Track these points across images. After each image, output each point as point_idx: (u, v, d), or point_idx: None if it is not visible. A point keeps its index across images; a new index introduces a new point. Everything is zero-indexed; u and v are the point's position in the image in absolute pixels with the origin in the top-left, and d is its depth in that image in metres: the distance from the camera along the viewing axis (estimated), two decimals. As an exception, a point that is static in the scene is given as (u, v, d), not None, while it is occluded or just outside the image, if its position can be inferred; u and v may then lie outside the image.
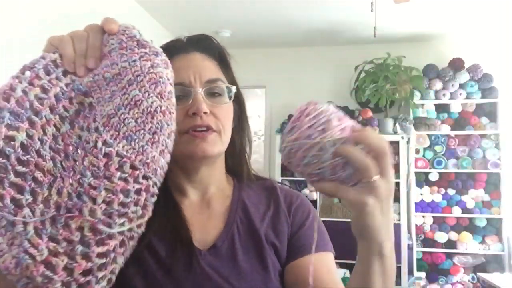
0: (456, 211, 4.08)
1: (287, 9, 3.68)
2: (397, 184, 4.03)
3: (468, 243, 4.02)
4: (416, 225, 4.11)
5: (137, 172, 0.48)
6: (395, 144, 4.06)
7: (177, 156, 0.74)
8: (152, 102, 0.50)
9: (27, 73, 0.50)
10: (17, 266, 0.43)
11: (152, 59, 0.53)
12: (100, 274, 0.46)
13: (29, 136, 0.47)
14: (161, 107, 0.50)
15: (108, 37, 0.54)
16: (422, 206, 4.15)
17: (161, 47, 0.79)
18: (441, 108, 4.25)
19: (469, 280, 4.01)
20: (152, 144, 0.49)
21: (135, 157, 0.48)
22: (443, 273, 4.08)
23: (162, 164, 0.51)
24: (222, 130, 0.74)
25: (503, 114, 4.05)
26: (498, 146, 4.06)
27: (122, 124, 0.49)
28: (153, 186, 0.50)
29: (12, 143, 0.46)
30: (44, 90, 0.50)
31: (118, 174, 0.47)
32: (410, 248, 3.97)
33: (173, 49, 0.77)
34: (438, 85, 4.18)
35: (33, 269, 0.43)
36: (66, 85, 0.52)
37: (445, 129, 4.18)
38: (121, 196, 0.47)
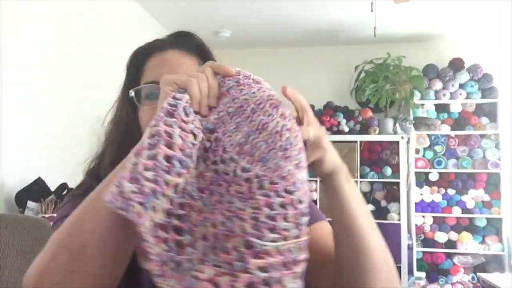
0: (456, 211, 4.08)
1: (287, 9, 3.68)
2: (397, 184, 4.04)
3: (468, 243, 4.02)
4: (416, 225, 4.11)
5: (277, 186, 0.51)
6: (395, 144, 4.07)
7: None
8: (277, 123, 0.53)
9: (175, 117, 0.53)
10: None
11: (268, 90, 0.59)
12: None
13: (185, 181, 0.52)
14: (286, 125, 0.53)
15: (224, 78, 0.59)
16: (422, 206, 4.15)
17: (139, 48, 0.79)
18: (441, 108, 4.25)
19: (469, 280, 4.02)
20: (285, 159, 0.52)
21: (273, 173, 0.51)
22: (443, 273, 4.08)
23: (300, 178, 0.52)
24: None
25: (503, 114, 4.06)
26: (498, 146, 4.07)
27: (255, 149, 0.53)
28: (299, 203, 0.51)
29: (176, 189, 0.50)
30: (194, 135, 0.54)
31: (260, 191, 0.51)
32: (410, 248, 3.97)
33: (150, 49, 0.77)
34: (438, 85, 4.18)
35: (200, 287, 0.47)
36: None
37: (445, 129, 4.18)
38: (266, 210, 0.50)
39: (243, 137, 0.54)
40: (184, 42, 0.78)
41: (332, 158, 0.62)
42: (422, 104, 4.25)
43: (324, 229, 0.76)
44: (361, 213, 0.62)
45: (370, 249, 0.61)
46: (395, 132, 4.13)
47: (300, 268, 0.49)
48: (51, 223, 0.97)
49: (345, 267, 0.63)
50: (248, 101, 0.56)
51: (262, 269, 0.48)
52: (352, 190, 0.63)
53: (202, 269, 0.48)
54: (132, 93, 0.74)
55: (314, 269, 0.69)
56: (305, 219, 0.51)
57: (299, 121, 0.59)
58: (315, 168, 0.62)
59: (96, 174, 0.77)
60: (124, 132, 0.77)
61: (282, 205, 0.50)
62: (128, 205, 0.45)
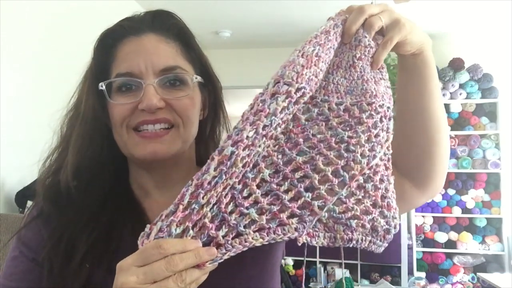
0: (456, 211, 4.08)
1: (287, 9, 3.68)
2: (397, 184, 4.03)
3: (468, 243, 4.02)
4: (416, 225, 4.11)
5: (373, 105, 0.58)
6: (395, 144, 4.06)
7: (129, 156, 0.68)
8: (348, 56, 0.60)
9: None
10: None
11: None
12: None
13: None
14: (355, 56, 0.59)
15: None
16: (422, 206, 4.14)
17: (109, 30, 0.67)
18: (441, 108, 4.25)
19: (469, 280, 4.01)
20: (366, 82, 0.59)
21: (364, 97, 0.59)
22: (443, 273, 4.07)
23: (383, 91, 0.61)
24: (181, 125, 0.65)
25: (503, 114, 4.05)
26: (498, 146, 4.06)
27: (339, 85, 0.60)
28: (387, 110, 0.60)
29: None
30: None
31: (363, 115, 0.58)
32: (410, 248, 3.96)
33: (122, 31, 0.66)
34: (438, 85, 4.18)
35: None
36: None
37: (445, 129, 4.18)
38: (373, 130, 0.58)
39: (324, 80, 0.59)
40: (163, 24, 0.67)
41: (417, 36, 0.60)
42: (422, 104, 4.25)
43: None
44: (439, 94, 0.67)
45: (444, 132, 0.67)
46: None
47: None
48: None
49: (418, 145, 0.67)
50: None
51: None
52: (434, 71, 0.65)
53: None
54: (103, 86, 0.64)
55: None
56: (392, 122, 0.61)
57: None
58: (400, 49, 0.62)
59: (52, 185, 0.66)
60: (90, 132, 0.66)
61: (381, 120, 0.58)
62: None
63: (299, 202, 0.53)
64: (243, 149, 0.49)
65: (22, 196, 2.10)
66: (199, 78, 0.68)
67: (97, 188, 0.66)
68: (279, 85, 0.51)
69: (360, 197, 0.56)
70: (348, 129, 0.57)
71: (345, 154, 0.56)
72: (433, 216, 4.14)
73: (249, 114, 0.52)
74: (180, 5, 3.67)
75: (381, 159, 0.58)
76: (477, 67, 4.10)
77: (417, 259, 4.02)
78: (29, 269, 0.63)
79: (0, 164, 2.04)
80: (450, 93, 4.19)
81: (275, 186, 0.53)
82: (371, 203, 0.56)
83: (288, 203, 0.52)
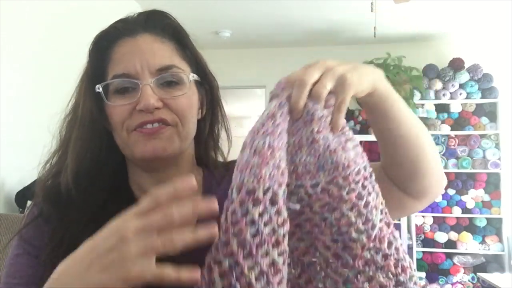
0: (456, 211, 4.08)
1: (287, 9, 3.68)
2: (397, 184, 4.04)
3: (468, 243, 4.02)
4: (416, 225, 4.11)
5: (350, 177, 0.53)
6: (395, 144, 4.07)
7: (129, 157, 0.67)
8: (306, 132, 0.54)
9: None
10: None
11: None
12: None
13: None
14: (313, 130, 0.54)
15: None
16: (422, 206, 4.14)
17: (104, 32, 0.67)
18: (441, 108, 4.25)
19: (469, 280, 4.01)
20: (335, 152, 0.54)
21: (338, 171, 0.54)
22: (443, 273, 4.08)
23: (353, 156, 0.55)
24: (179, 124, 0.64)
25: (503, 114, 4.05)
26: (498, 146, 4.06)
27: (307, 165, 0.55)
28: (365, 170, 0.56)
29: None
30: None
31: (343, 192, 0.53)
32: (410, 248, 3.97)
33: (117, 33, 0.66)
34: (438, 85, 4.18)
35: None
36: None
37: (445, 129, 4.18)
38: (360, 202, 0.53)
39: (291, 164, 0.54)
40: (157, 23, 0.67)
41: (366, 80, 0.58)
42: (422, 104, 4.25)
43: None
44: (408, 115, 0.64)
45: (426, 146, 0.65)
46: (395, 132, 4.13)
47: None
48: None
49: (404, 165, 0.66)
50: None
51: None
52: (394, 97, 0.63)
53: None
54: (99, 88, 0.64)
55: None
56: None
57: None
58: (363, 105, 0.62)
59: (52, 187, 0.67)
60: (89, 135, 0.66)
61: (363, 186, 0.54)
62: None
63: (314, 283, 0.54)
64: (243, 259, 0.45)
65: (22, 196, 2.10)
66: (195, 77, 0.68)
67: (97, 189, 0.66)
68: (242, 194, 0.47)
69: (370, 273, 0.53)
70: (332, 211, 0.53)
71: (339, 238, 0.53)
72: (433, 216, 4.14)
73: (228, 224, 0.46)
74: (180, 5, 3.69)
75: (380, 221, 0.55)
76: (477, 67, 4.10)
77: (417, 259, 4.02)
78: (33, 265, 0.63)
79: (0, 164, 2.04)
80: (450, 93, 4.19)
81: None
82: (384, 275, 0.53)
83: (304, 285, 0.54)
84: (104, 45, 0.66)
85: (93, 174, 0.66)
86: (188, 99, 0.66)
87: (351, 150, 0.55)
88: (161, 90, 0.63)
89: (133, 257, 0.41)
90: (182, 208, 0.43)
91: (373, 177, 0.56)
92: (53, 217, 0.65)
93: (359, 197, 0.53)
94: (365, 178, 0.55)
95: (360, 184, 0.54)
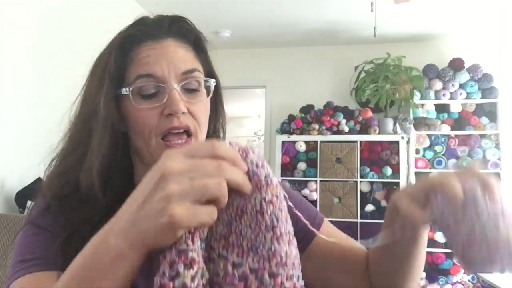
0: (456, 211, 4.07)
1: (287, 9, 3.68)
2: (397, 184, 4.03)
3: (468, 243, 4.02)
4: (416, 225, 4.11)
5: (279, 278, 0.43)
6: (395, 144, 4.07)
7: (151, 163, 0.68)
8: (255, 199, 0.45)
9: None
10: None
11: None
12: None
13: None
14: (264, 199, 0.45)
15: None
16: (422, 206, 4.15)
17: (123, 33, 0.67)
18: (441, 108, 4.25)
19: (469, 280, 4.01)
20: (277, 240, 0.44)
21: (269, 263, 0.43)
22: (443, 273, 4.08)
23: (295, 254, 0.45)
24: (198, 131, 0.66)
25: (503, 114, 4.06)
26: (498, 146, 4.06)
27: (241, 237, 0.45)
28: (298, 280, 0.45)
29: None
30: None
31: None
32: (410, 248, 3.96)
33: (139, 36, 0.67)
34: (438, 85, 4.18)
35: None
36: None
37: (445, 129, 4.18)
38: None
39: (225, 227, 0.46)
40: (180, 29, 0.70)
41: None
42: (422, 104, 4.25)
43: (329, 227, 0.79)
44: (423, 261, 0.66)
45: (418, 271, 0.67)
46: (395, 132, 4.13)
47: None
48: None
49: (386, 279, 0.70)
50: None
51: None
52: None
53: None
54: (127, 91, 0.64)
55: (334, 266, 0.74)
56: None
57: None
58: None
59: (63, 185, 0.66)
60: (110, 137, 0.65)
61: None
62: None
63: None
64: None
65: (22, 196, 2.10)
66: (214, 83, 0.70)
67: (112, 189, 0.66)
68: (172, 255, 0.41)
69: None
70: None
71: None
72: (433, 216, 4.13)
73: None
74: (180, 5, 3.68)
75: None
76: (477, 67, 4.10)
77: (417, 259, 4.02)
78: (50, 243, 0.61)
79: (0, 164, 2.04)
80: (450, 93, 4.19)
81: None
82: None
83: None
84: (127, 47, 0.66)
85: (110, 175, 0.66)
86: (205, 105, 0.68)
87: (295, 247, 0.45)
88: (183, 96, 0.65)
89: (176, 197, 0.39)
90: (234, 174, 0.42)
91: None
92: (61, 213, 0.65)
93: None
94: None
95: None
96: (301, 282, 0.45)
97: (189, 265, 0.41)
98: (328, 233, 0.76)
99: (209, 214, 0.41)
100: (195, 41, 0.71)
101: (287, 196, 0.47)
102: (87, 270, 0.42)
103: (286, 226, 0.45)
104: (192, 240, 0.42)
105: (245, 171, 0.44)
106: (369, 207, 4.08)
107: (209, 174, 0.40)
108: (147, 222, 0.40)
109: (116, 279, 0.41)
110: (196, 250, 0.42)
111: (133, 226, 0.40)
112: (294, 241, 0.45)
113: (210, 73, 0.72)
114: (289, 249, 0.44)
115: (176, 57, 0.65)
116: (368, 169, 4.11)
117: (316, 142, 4.21)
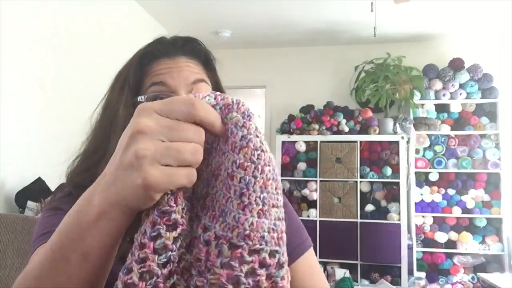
0: (456, 211, 4.08)
1: (287, 9, 3.68)
2: (397, 184, 4.04)
3: (468, 243, 4.02)
4: (416, 225, 4.11)
5: (239, 250, 0.39)
6: (395, 144, 4.07)
7: None
8: (228, 161, 0.41)
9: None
10: None
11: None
12: None
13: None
14: (235, 162, 0.40)
15: None
16: (422, 206, 4.15)
17: (145, 51, 0.76)
18: (441, 108, 4.25)
19: (469, 280, 4.01)
20: (243, 209, 0.39)
21: (232, 232, 0.39)
22: (443, 273, 4.08)
23: (269, 227, 0.40)
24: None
25: (503, 114, 4.06)
26: (498, 146, 4.07)
27: (215, 200, 0.42)
28: (271, 256, 0.39)
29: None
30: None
31: (218, 261, 0.39)
32: (410, 248, 3.97)
33: (157, 53, 0.76)
34: (438, 85, 4.18)
35: None
36: None
37: (445, 129, 4.18)
38: (231, 287, 0.38)
39: (205, 187, 0.43)
40: (193, 49, 0.78)
41: None
42: (422, 104, 4.25)
43: (311, 259, 0.76)
44: None
45: None
46: (395, 132, 4.13)
47: None
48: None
49: None
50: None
51: None
52: None
53: None
54: (142, 99, 0.72)
55: None
56: (283, 271, 0.40)
57: None
58: None
59: (81, 180, 0.72)
60: None
61: (252, 272, 0.38)
62: None
63: None
64: None
65: (22, 196, 2.10)
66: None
67: None
68: (154, 216, 0.39)
69: None
70: (198, 275, 0.40)
71: None
72: (433, 216, 4.14)
73: (134, 249, 0.38)
74: (180, 5, 3.69)
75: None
76: (477, 67, 4.10)
77: (417, 259, 4.02)
78: None
79: (0, 164, 2.04)
80: (450, 93, 4.19)
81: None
82: None
83: None
84: (145, 62, 0.76)
85: None
86: None
87: (271, 219, 0.40)
88: None
89: (147, 159, 0.37)
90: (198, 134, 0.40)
91: (273, 264, 0.40)
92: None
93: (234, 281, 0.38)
94: (262, 264, 0.39)
95: (249, 267, 0.38)
96: (282, 260, 0.40)
97: (172, 226, 0.39)
98: (307, 264, 0.75)
99: (187, 175, 0.39)
100: (205, 59, 0.79)
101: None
102: (72, 227, 0.43)
103: (259, 195, 0.40)
104: (175, 201, 0.39)
105: (222, 134, 0.41)
106: (369, 207, 4.08)
107: (185, 138, 0.39)
108: (123, 183, 0.38)
109: (100, 236, 0.41)
110: (179, 212, 0.39)
111: (113, 185, 0.39)
112: (271, 212, 0.40)
113: (217, 87, 0.80)
114: (257, 220, 0.39)
115: (187, 69, 0.74)
116: (368, 169, 4.11)
117: (316, 142, 4.21)
